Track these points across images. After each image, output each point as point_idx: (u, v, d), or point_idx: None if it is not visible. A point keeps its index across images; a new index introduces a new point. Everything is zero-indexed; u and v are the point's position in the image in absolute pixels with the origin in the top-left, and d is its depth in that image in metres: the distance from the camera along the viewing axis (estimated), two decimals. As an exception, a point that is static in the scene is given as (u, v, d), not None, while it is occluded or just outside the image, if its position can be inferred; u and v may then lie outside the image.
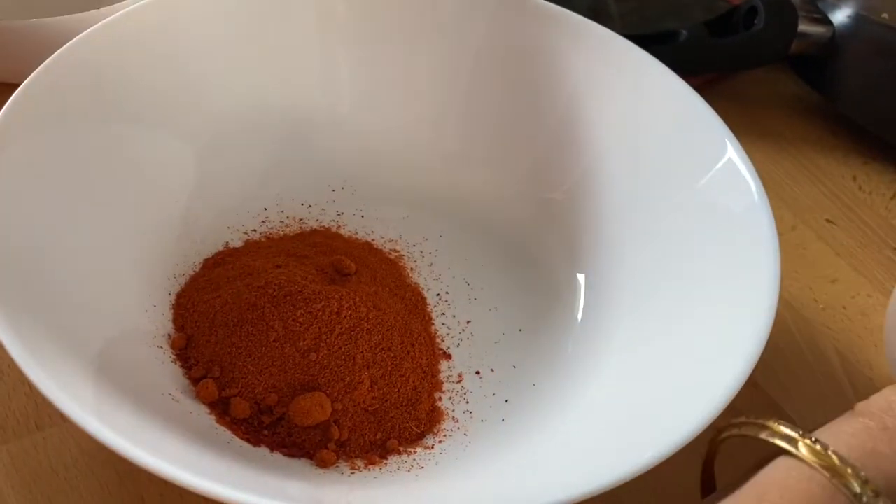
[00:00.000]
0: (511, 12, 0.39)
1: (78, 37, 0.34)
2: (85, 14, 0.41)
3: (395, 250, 0.39)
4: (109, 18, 0.35)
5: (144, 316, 0.33)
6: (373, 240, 0.40)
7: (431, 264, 0.39)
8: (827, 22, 0.49)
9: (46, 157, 0.32)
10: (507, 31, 0.40)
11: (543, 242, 0.39)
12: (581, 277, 0.37)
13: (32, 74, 0.32)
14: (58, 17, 0.41)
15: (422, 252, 0.39)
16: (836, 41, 0.49)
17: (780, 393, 0.37)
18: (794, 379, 0.38)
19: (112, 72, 0.35)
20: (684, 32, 0.48)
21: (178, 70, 0.37)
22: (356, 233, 0.40)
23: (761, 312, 0.29)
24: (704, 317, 0.31)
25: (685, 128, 0.36)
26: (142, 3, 0.36)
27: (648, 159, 0.37)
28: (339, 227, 0.40)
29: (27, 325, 0.26)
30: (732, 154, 0.34)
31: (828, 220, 0.46)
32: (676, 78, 0.36)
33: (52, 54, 0.33)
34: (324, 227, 0.40)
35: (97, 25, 0.35)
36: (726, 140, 0.34)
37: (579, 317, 0.36)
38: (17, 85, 0.32)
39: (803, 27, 0.49)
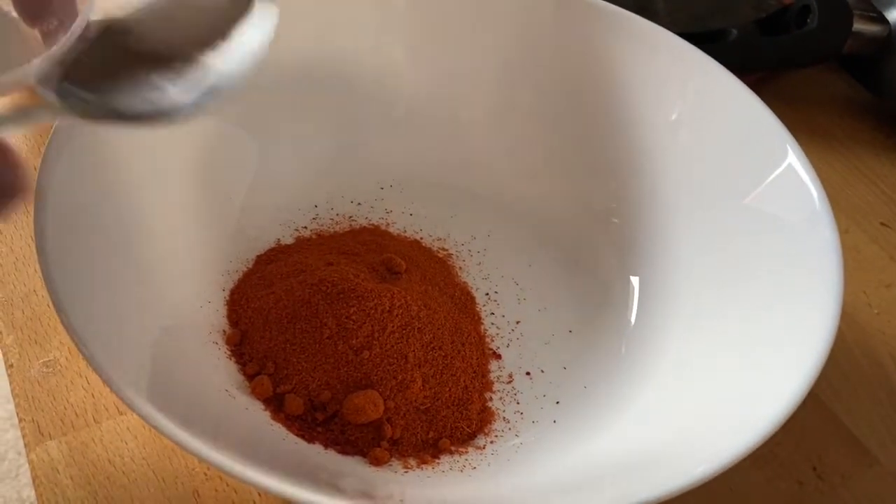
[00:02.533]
0: (571, 11, 0.39)
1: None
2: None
3: (443, 249, 0.39)
4: None
5: (200, 312, 0.33)
6: (421, 238, 0.40)
7: (480, 263, 0.39)
8: (882, 21, 0.48)
9: (112, 147, 0.32)
10: (566, 31, 0.39)
11: (594, 244, 0.39)
12: (635, 280, 0.37)
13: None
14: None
15: (470, 251, 0.39)
16: (891, 40, 0.48)
17: (833, 397, 0.37)
18: (846, 383, 0.37)
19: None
20: (734, 31, 0.48)
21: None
22: (405, 231, 0.40)
23: (823, 322, 0.28)
24: (764, 325, 0.30)
25: (746, 133, 0.35)
26: None
27: (707, 164, 0.36)
28: (387, 224, 0.40)
29: (91, 316, 0.26)
30: (794, 160, 0.33)
31: (882, 224, 0.45)
32: (738, 82, 0.36)
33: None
34: (373, 224, 0.40)
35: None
36: (787, 146, 0.33)
37: (633, 319, 0.36)
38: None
39: (858, 26, 0.48)
